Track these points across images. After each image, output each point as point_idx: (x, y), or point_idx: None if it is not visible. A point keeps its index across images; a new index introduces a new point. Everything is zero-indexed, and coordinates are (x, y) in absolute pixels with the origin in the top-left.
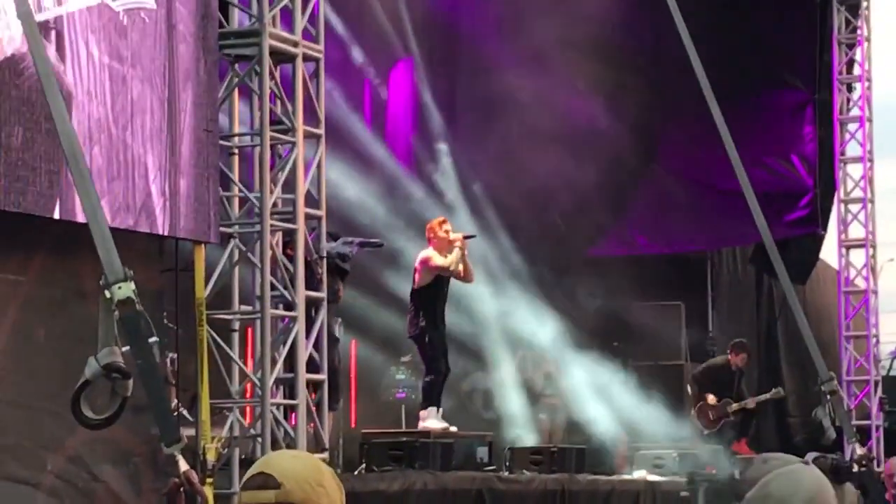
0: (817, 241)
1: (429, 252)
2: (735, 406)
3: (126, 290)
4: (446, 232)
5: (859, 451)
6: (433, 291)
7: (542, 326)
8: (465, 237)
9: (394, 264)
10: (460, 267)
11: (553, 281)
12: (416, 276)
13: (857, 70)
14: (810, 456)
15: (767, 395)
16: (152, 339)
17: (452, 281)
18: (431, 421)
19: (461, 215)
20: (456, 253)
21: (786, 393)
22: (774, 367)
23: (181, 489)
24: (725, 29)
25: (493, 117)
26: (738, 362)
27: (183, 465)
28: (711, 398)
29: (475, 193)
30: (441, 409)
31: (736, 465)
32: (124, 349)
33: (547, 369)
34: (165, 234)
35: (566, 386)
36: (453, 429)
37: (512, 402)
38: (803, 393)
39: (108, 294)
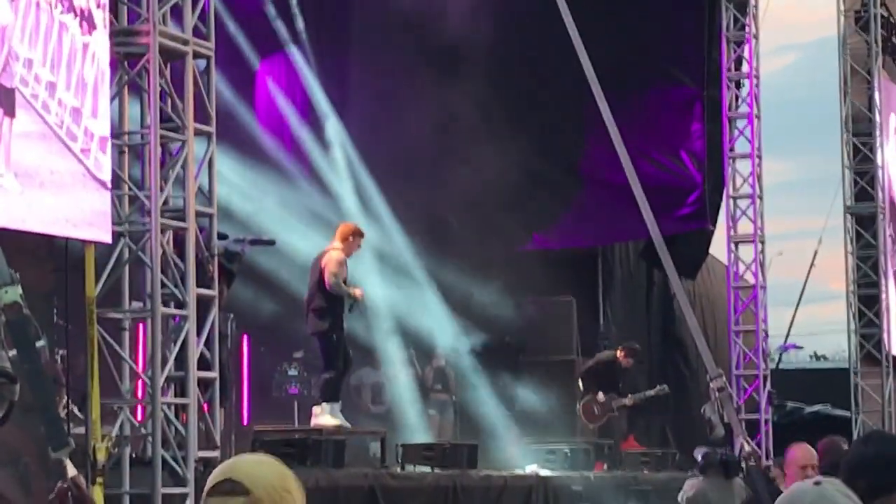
0: (706, 237)
1: (339, 255)
2: (620, 402)
3: (13, 294)
4: (358, 246)
5: (747, 447)
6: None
7: (433, 322)
8: (355, 299)
9: (284, 260)
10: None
11: (445, 277)
12: (326, 275)
13: (745, 67)
14: (699, 451)
15: (651, 393)
16: (40, 343)
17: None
18: (325, 417)
19: (351, 208)
20: (347, 290)
21: (670, 390)
22: (670, 362)
23: (69, 494)
24: (614, 25)
25: (387, 109)
26: (626, 364)
27: (71, 470)
28: (601, 396)
29: (366, 187)
30: (339, 404)
31: None
32: (11, 353)
33: (438, 364)
34: (55, 233)
35: (457, 381)
36: (347, 425)
37: (402, 397)
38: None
39: None
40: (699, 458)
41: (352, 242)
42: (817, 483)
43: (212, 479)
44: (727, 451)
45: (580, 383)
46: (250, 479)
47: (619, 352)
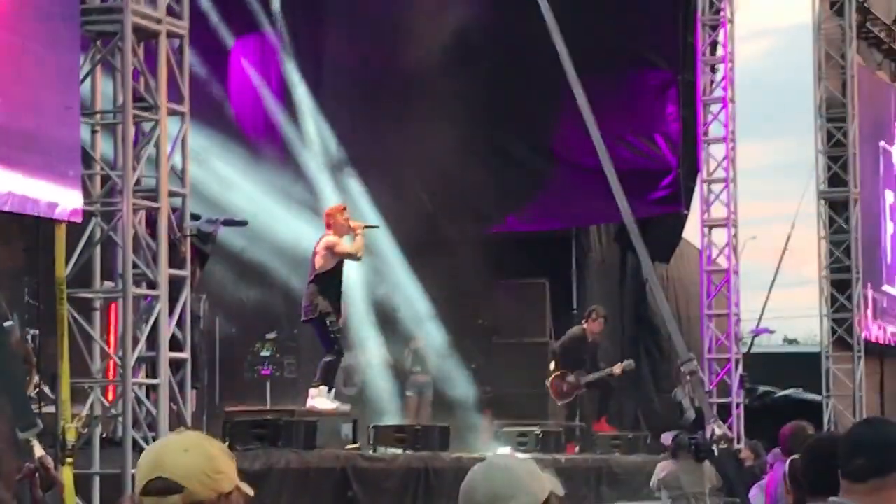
0: (680, 221)
1: (333, 238)
2: (588, 378)
3: None
4: (346, 219)
5: (718, 431)
6: (334, 275)
7: (409, 304)
8: (367, 226)
9: (257, 240)
10: (362, 253)
11: (420, 259)
12: (318, 260)
13: (720, 51)
14: (668, 435)
15: (618, 369)
16: (8, 323)
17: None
18: (321, 400)
19: (325, 188)
20: (360, 240)
21: (645, 374)
22: (642, 345)
23: (36, 474)
24: (590, 8)
25: (361, 87)
26: (595, 329)
27: (38, 451)
28: (571, 377)
29: (341, 168)
30: (333, 390)
31: None
32: None
33: (416, 346)
34: (25, 212)
35: (433, 363)
36: (345, 408)
37: (377, 379)
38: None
39: None
40: (669, 441)
41: (339, 222)
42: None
43: (142, 476)
44: (697, 435)
45: (553, 363)
46: (181, 474)
47: (585, 323)
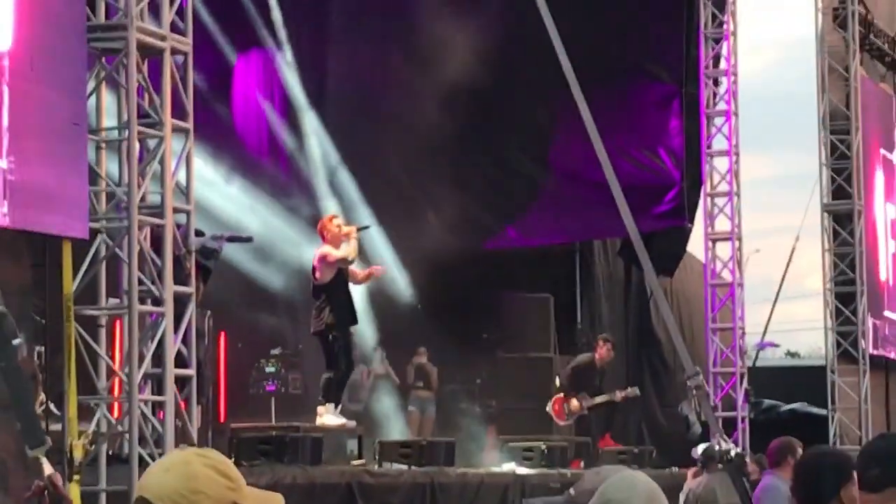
0: (685, 234)
1: (324, 248)
2: (591, 402)
3: None
4: (338, 226)
5: (724, 445)
6: (336, 285)
7: (409, 319)
8: (359, 229)
9: (262, 257)
10: (354, 256)
11: (423, 273)
12: (317, 273)
13: (723, 64)
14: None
15: (620, 395)
16: (16, 341)
17: None
18: (328, 417)
19: (328, 202)
20: (353, 243)
21: (650, 388)
22: (647, 360)
23: (45, 492)
24: (593, 22)
25: (366, 108)
26: (605, 356)
27: (48, 469)
28: (575, 403)
29: (343, 182)
30: (339, 406)
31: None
32: None
33: (419, 361)
34: (33, 229)
35: (437, 378)
36: (351, 424)
37: (381, 395)
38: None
39: None
40: (699, 454)
41: (332, 230)
42: None
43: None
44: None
45: (559, 386)
46: (155, 492)
47: (596, 351)
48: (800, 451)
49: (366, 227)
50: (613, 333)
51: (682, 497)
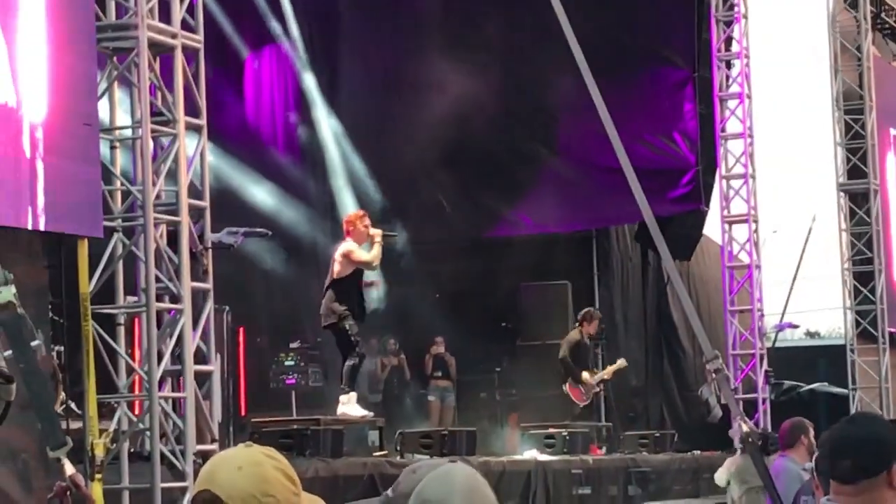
0: (701, 218)
1: (350, 245)
2: (598, 376)
3: (7, 293)
4: (366, 227)
5: (745, 428)
6: (352, 281)
7: (430, 307)
8: (385, 234)
9: (279, 251)
10: (378, 262)
11: (440, 263)
12: (337, 266)
13: (735, 47)
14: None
15: (611, 370)
16: (35, 343)
17: None
18: (351, 407)
19: (344, 197)
20: (377, 249)
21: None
22: (666, 344)
23: (67, 493)
24: (604, 7)
25: (377, 98)
26: (591, 331)
27: (69, 469)
28: (586, 376)
29: (359, 175)
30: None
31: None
32: (7, 353)
33: (437, 351)
34: (49, 230)
35: (455, 367)
36: (370, 415)
37: (400, 385)
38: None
39: None
40: (738, 434)
41: (360, 229)
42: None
43: (197, 484)
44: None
45: (562, 371)
46: (227, 491)
47: (580, 327)
48: (812, 431)
49: (393, 235)
50: (631, 318)
51: (722, 474)
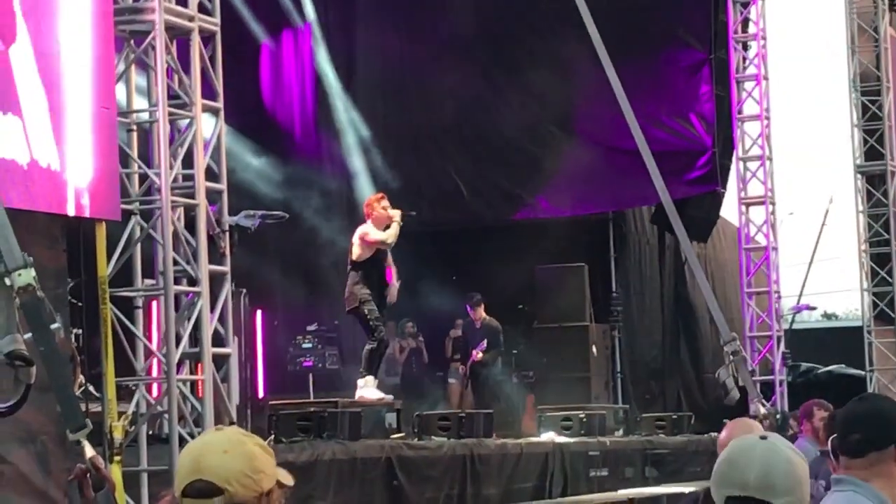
0: (718, 200)
1: (366, 227)
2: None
3: (26, 276)
4: (384, 208)
5: (762, 410)
6: (372, 263)
7: (448, 291)
8: (404, 214)
9: (296, 234)
10: (393, 240)
11: (457, 246)
12: (354, 249)
13: (752, 28)
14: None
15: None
16: (54, 325)
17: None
18: (369, 390)
19: (361, 181)
20: (395, 228)
21: (685, 354)
22: (683, 326)
23: (87, 475)
24: None
25: (395, 85)
26: (478, 317)
27: (89, 451)
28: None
29: (376, 160)
30: (377, 380)
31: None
32: (26, 336)
33: (456, 335)
34: (67, 212)
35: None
36: (390, 398)
37: (419, 367)
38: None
39: (7, 281)
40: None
41: (378, 211)
42: (763, 437)
43: (182, 477)
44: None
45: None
46: (221, 476)
47: (471, 311)
48: (821, 413)
49: (412, 214)
50: (649, 301)
51: None
